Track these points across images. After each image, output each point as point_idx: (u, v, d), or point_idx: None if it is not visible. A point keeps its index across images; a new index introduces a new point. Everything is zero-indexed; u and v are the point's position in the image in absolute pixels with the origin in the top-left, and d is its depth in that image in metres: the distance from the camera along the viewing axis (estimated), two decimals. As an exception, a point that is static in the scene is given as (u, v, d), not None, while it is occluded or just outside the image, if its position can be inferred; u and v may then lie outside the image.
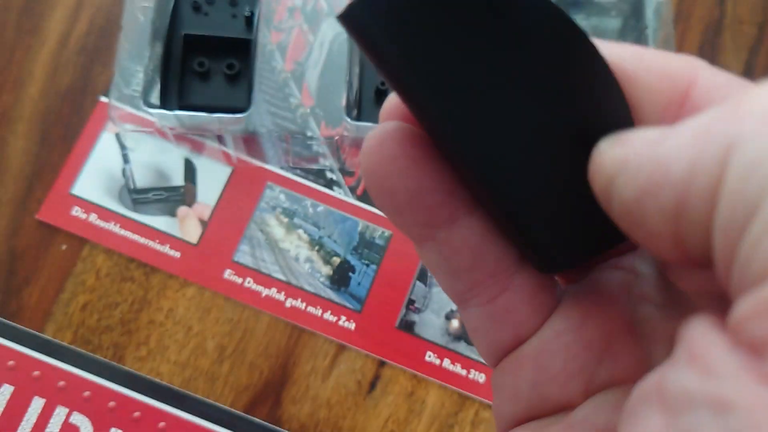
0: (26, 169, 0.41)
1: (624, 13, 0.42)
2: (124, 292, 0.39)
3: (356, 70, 0.41)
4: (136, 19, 0.38)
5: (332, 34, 0.41)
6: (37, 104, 0.42)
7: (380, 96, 0.40)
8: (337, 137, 0.38)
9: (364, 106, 0.40)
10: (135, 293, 0.39)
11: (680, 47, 0.46)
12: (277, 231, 0.41)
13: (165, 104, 0.39)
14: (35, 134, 0.42)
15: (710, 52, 0.46)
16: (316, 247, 0.41)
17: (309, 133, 0.40)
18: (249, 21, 0.41)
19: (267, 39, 0.40)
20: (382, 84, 0.40)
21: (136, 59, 0.38)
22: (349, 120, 0.38)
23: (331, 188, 0.42)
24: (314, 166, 0.42)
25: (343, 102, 0.39)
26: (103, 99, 0.42)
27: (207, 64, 0.40)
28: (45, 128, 0.42)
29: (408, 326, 0.40)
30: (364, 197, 0.42)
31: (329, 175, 0.42)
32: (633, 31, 0.42)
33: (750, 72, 0.46)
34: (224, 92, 0.40)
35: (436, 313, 0.40)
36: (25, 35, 0.43)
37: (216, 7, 0.41)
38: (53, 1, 0.44)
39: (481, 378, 0.39)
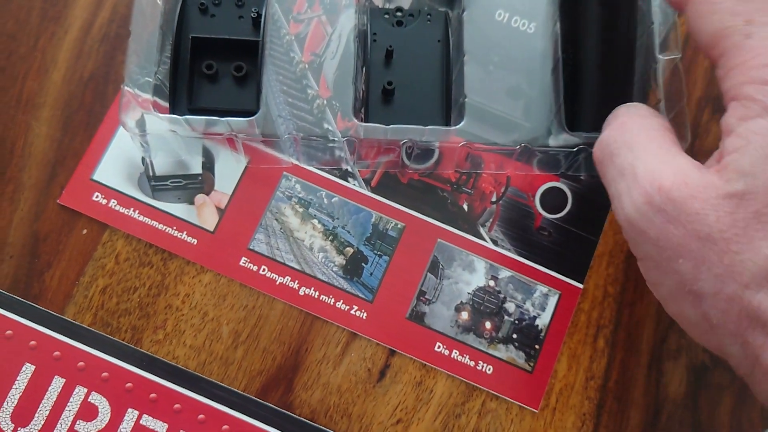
0: (49, 155, 0.42)
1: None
2: (143, 276, 0.40)
3: (362, 69, 0.41)
4: (144, 24, 0.39)
5: (350, 25, 0.41)
6: (60, 91, 0.43)
7: (387, 95, 0.40)
8: (345, 139, 0.39)
9: (371, 107, 0.40)
10: (153, 278, 0.40)
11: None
12: (293, 220, 0.42)
13: (174, 108, 0.39)
14: (58, 120, 0.43)
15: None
16: (330, 237, 0.42)
17: (326, 125, 0.40)
18: (256, 22, 0.41)
19: (280, 35, 0.41)
20: (389, 84, 0.40)
21: (145, 66, 0.38)
22: (357, 121, 0.39)
23: (346, 180, 0.43)
24: (334, 167, 0.43)
25: (351, 102, 0.39)
26: (137, 92, 0.43)
27: (215, 66, 0.40)
28: (68, 115, 0.43)
29: (418, 317, 0.41)
30: (378, 189, 0.42)
31: (344, 166, 0.42)
32: (639, 26, 0.42)
33: None
34: (233, 94, 0.40)
35: (447, 305, 0.41)
36: (49, 22, 0.44)
37: (223, 8, 0.41)
38: (77, -11, 0.45)
39: (488, 369, 0.40)
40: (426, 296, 0.41)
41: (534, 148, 0.39)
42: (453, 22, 0.42)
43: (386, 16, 0.42)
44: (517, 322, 0.41)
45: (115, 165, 0.42)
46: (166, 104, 0.40)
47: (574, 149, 0.39)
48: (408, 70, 0.41)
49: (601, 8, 0.40)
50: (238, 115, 0.39)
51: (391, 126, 0.38)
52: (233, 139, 0.39)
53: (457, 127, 0.39)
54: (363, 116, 0.41)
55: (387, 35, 0.42)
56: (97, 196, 0.41)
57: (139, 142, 0.39)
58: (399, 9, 0.43)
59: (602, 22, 0.40)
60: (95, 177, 0.42)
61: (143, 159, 0.42)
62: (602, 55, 0.39)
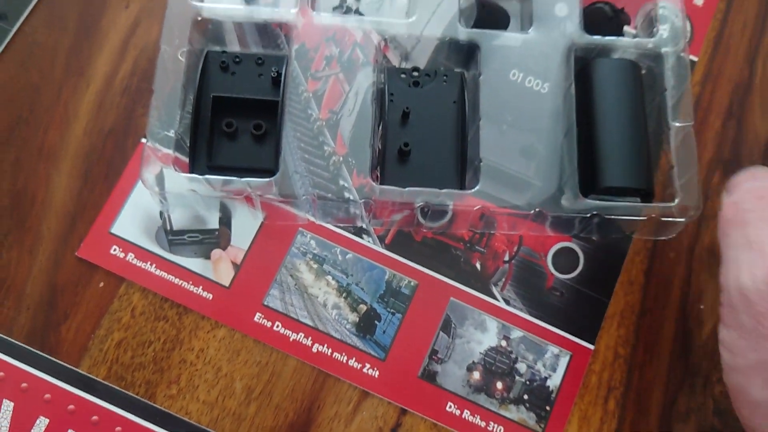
0: (69, 206, 0.43)
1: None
2: (158, 331, 0.41)
3: (379, 128, 0.42)
4: (167, 80, 0.40)
5: (367, 83, 0.42)
6: (81, 143, 0.44)
7: (403, 156, 0.41)
8: (362, 201, 0.39)
9: (387, 166, 0.41)
10: (168, 332, 0.41)
11: (708, 107, 0.47)
12: (307, 276, 0.42)
13: (194, 165, 0.40)
14: (79, 172, 0.43)
15: (738, 112, 0.47)
16: (344, 294, 0.42)
17: (341, 182, 0.41)
18: (276, 81, 0.42)
19: (298, 92, 0.41)
20: (405, 145, 0.41)
21: (166, 121, 0.39)
22: (372, 183, 0.39)
23: (360, 236, 0.43)
24: (350, 225, 0.43)
25: (367, 160, 0.40)
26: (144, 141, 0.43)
27: (235, 124, 0.41)
28: (88, 167, 0.43)
29: (430, 376, 0.41)
30: (392, 246, 0.43)
31: (359, 224, 0.43)
32: (650, 91, 0.42)
33: (778, 135, 0.46)
34: (252, 152, 0.41)
35: (459, 364, 0.41)
36: (72, 75, 0.45)
37: (243, 66, 0.42)
38: (101, 42, 0.46)
39: (499, 430, 0.40)
40: (438, 355, 0.41)
41: (547, 213, 0.39)
42: (469, 83, 0.43)
43: (403, 75, 0.43)
44: (528, 382, 0.41)
45: (134, 218, 0.42)
46: (186, 159, 0.41)
47: (588, 215, 0.39)
48: (424, 130, 0.42)
49: (615, 75, 0.41)
50: (257, 172, 0.40)
51: (407, 189, 0.39)
52: (251, 198, 0.40)
53: (473, 190, 0.39)
54: (379, 175, 0.41)
55: (404, 95, 0.43)
56: (114, 250, 0.42)
57: (158, 198, 0.40)
58: (416, 69, 0.43)
59: (614, 91, 0.41)
60: (113, 230, 0.42)
61: (161, 213, 0.42)
62: (616, 120, 0.40)
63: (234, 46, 0.44)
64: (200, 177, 0.38)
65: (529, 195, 0.40)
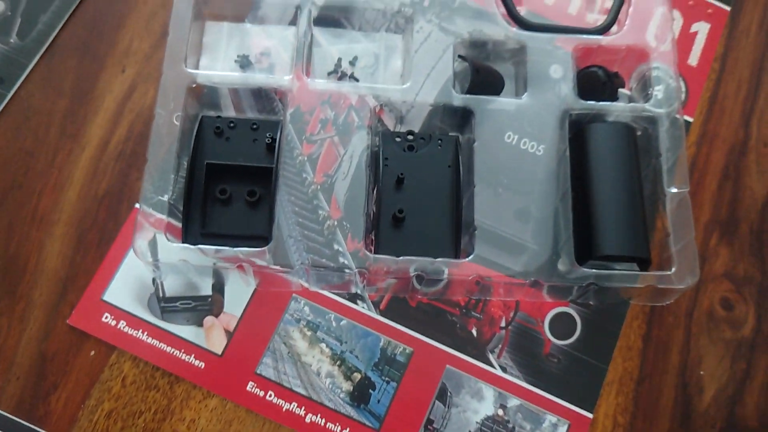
0: (61, 272, 0.42)
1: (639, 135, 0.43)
2: (149, 400, 0.40)
3: (373, 191, 0.42)
4: (161, 147, 0.40)
5: (362, 146, 0.42)
6: (75, 208, 0.44)
7: (398, 222, 0.41)
8: (357, 269, 0.39)
9: (381, 232, 0.41)
10: (159, 402, 0.40)
11: (704, 168, 0.47)
12: (301, 344, 0.42)
13: (187, 232, 0.40)
14: (71, 238, 0.43)
15: (735, 173, 0.47)
16: (338, 362, 0.41)
17: (336, 246, 0.40)
18: (270, 147, 0.42)
19: (293, 156, 0.41)
20: (400, 211, 0.40)
21: (160, 187, 0.39)
22: (366, 251, 0.39)
23: (355, 302, 0.43)
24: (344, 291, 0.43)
25: (362, 226, 0.39)
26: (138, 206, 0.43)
27: (228, 191, 0.41)
28: (81, 232, 0.43)
29: (426, 447, 0.40)
30: (387, 312, 0.42)
31: (354, 289, 0.43)
32: (645, 154, 0.42)
33: (775, 196, 0.46)
34: (246, 219, 0.41)
35: (455, 434, 0.41)
36: (67, 139, 0.45)
37: (237, 131, 0.42)
38: (96, 107, 0.46)
39: (497, 503, 0.39)
40: (434, 425, 0.41)
41: (543, 283, 0.39)
42: (464, 147, 0.43)
43: (398, 139, 0.43)
44: (525, 453, 0.40)
45: (126, 285, 0.42)
46: (179, 224, 0.40)
47: (584, 284, 0.39)
48: (419, 195, 0.42)
49: (610, 140, 0.41)
50: (250, 239, 0.40)
51: (402, 258, 0.39)
52: (243, 267, 0.39)
53: (467, 259, 0.39)
54: (373, 240, 0.41)
55: (398, 159, 0.43)
56: (106, 317, 0.41)
57: (151, 267, 0.39)
58: (410, 133, 0.43)
59: (609, 156, 0.40)
60: (106, 297, 0.42)
61: (154, 280, 0.42)
62: (611, 186, 0.40)
63: (229, 111, 0.44)
64: (192, 246, 0.38)
65: (525, 259, 0.39)
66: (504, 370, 0.42)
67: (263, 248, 0.39)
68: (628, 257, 0.39)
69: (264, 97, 0.44)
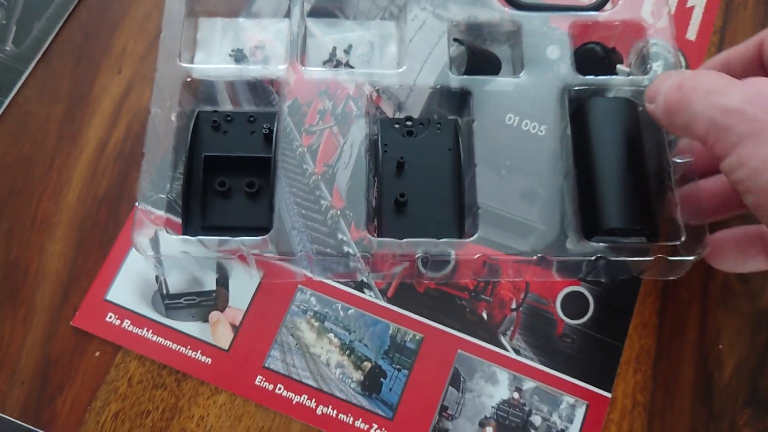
0: (62, 275, 0.42)
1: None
2: (156, 399, 0.39)
3: (374, 180, 0.41)
4: (158, 142, 0.39)
5: (362, 135, 0.42)
6: (74, 210, 0.43)
7: (400, 207, 0.40)
8: (361, 254, 0.38)
9: (384, 218, 0.40)
10: (166, 401, 0.39)
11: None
12: (308, 335, 0.41)
13: (187, 226, 0.39)
14: (72, 240, 0.43)
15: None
16: (347, 352, 0.41)
17: (340, 236, 0.40)
18: (268, 138, 0.41)
19: (292, 148, 0.41)
20: (401, 195, 0.40)
21: (158, 183, 0.39)
22: (369, 236, 0.38)
23: (362, 291, 0.42)
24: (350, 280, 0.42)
25: (364, 217, 0.39)
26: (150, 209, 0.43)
27: (227, 183, 0.40)
28: (82, 234, 0.43)
29: (441, 434, 0.39)
30: (395, 299, 0.42)
31: (359, 277, 0.42)
32: (648, 128, 0.41)
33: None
34: (246, 210, 0.40)
35: (470, 420, 0.39)
36: (65, 142, 0.45)
37: (235, 124, 0.42)
38: (93, 109, 0.46)
39: (517, 489, 0.38)
40: (448, 411, 0.40)
41: (551, 258, 0.38)
42: (463, 130, 0.43)
43: (396, 126, 0.43)
44: (544, 436, 0.39)
45: (129, 284, 0.41)
46: (179, 220, 0.40)
47: (593, 258, 0.38)
48: (420, 180, 0.41)
49: (610, 114, 0.41)
50: (251, 230, 0.39)
51: (405, 240, 0.38)
52: (246, 257, 0.39)
53: (472, 238, 0.38)
54: (376, 227, 0.40)
55: (398, 145, 0.42)
56: (110, 317, 0.41)
57: (153, 262, 0.39)
58: (409, 118, 0.43)
59: (611, 130, 0.40)
60: (109, 297, 0.41)
61: (157, 277, 0.41)
62: (614, 160, 0.39)
63: (227, 107, 0.43)
64: (193, 238, 0.38)
65: (531, 239, 0.39)
66: (517, 352, 0.41)
67: (264, 237, 0.38)
68: (636, 229, 0.38)
69: (260, 90, 0.43)
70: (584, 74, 0.42)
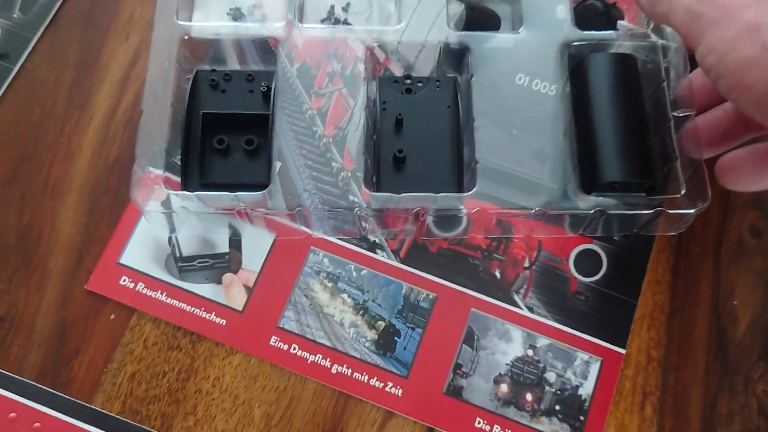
0: (75, 240, 0.42)
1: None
2: (171, 361, 0.40)
3: (373, 138, 0.41)
4: (156, 102, 0.39)
5: (371, 97, 0.41)
6: (86, 176, 0.43)
7: (398, 163, 0.40)
8: (356, 209, 0.38)
9: (382, 175, 0.40)
10: (182, 362, 0.40)
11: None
12: (322, 296, 0.41)
13: (186, 184, 0.39)
14: (84, 205, 0.43)
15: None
16: (361, 312, 0.41)
17: (351, 197, 0.40)
18: (266, 96, 0.41)
19: (302, 110, 0.41)
20: (399, 151, 0.40)
21: (157, 143, 0.38)
22: (368, 191, 0.38)
23: (374, 251, 0.42)
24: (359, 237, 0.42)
25: (362, 172, 0.39)
26: (150, 169, 0.43)
27: (226, 141, 0.40)
28: (93, 200, 0.43)
29: (456, 391, 0.39)
30: (407, 259, 0.42)
31: (372, 237, 0.42)
32: (648, 83, 0.41)
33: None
34: (245, 168, 0.40)
35: (484, 377, 0.40)
36: (74, 109, 0.45)
37: (233, 83, 0.42)
38: (102, 75, 0.46)
39: (532, 444, 0.38)
40: (462, 369, 0.40)
41: (550, 212, 0.38)
42: (462, 87, 0.42)
43: (395, 83, 0.42)
44: (559, 392, 0.39)
45: (142, 247, 0.42)
46: (178, 179, 0.40)
47: (591, 211, 0.38)
48: (419, 137, 0.41)
49: (608, 71, 0.40)
50: (250, 187, 0.39)
51: (402, 195, 0.38)
52: (246, 213, 0.39)
53: (470, 192, 0.38)
54: (374, 183, 0.40)
55: (397, 103, 0.42)
56: (124, 280, 0.41)
57: (152, 218, 0.39)
58: (408, 77, 0.43)
59: (610, 85, 0.39)
60: (122, 260, 0.41)
61: (170, 239, 0.42)
62: (613, 115, 0.39)
63: (234, 66, 0.43)
64: (191, 194, 0.38)
65: (530, 194, 0.38)
66: (531, 310, 0.41)
67: (262, 192, 0.38)
68: (634, 183, 0.38)
69: (267, 51, 0.43)
70: (584, 30, 0.41)
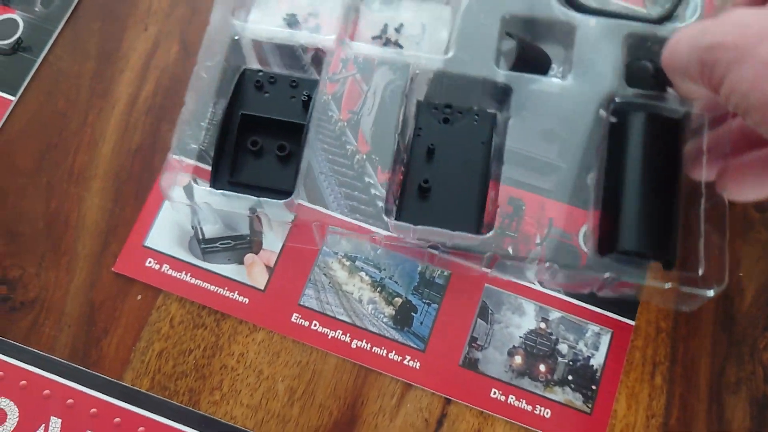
0: (101, 225, 0.43)
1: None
2: (197, 338, 0.41)
3: (403, 162, 0.41)
4: (200, 93, 0.40)
5: (384, 81, 0.42)
6: (110, 163, 0.45)
7: (423, 192, 0.40)
8: (375, 236, 0.39)
9: (405, 201, 0.40)
10: (207, 339, 0.41)
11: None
12: (340, 274, 0.42)
13: (215, 178, 0.40)
14: (109, 191, 0.44)
15: None
16: (378, 289, 0.42)
17: (367, 179, 0.41)
18: (306, 105, 0.42)
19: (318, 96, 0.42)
20: (425, 182, 0.40)
21: (193, 136, 0.40)
22: (388, 219, 0.39)
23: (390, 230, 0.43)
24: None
25: (390, 156, 0.39)
26: (182, 158, 0.44)
27: (260, 143, 0.41)
28: (118, 185, 0.44)
29: (472, 364, 0.41)
30: (422, 238, 0.43)
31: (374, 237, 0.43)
32: None
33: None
34: (274, 172, 0.41)
35: (499, 349, 0.41)
36: (97, 98, 0.46)
37: (277, 87, 0.43)
38: (122, 65, 0.47)
39: (546, 413, 0.40)
40: (478, 342, 0.41)
41: (560, 270, 0.39)
42: (500, 125, 0.42)
43: (434, 110, 0.43)
44: (571, 363, 0.41)
45: (166, 231, 0.43)
46: (208, 168, 0.41)
47: (605, 275, 0.38)
48: (447, 169, 0.41)
49: (650, 133, 0.39)
50: (276, 193, 0.40)
51: (420, 227, 0.38)
52: (261, 218, 0.40)
53: (488, 235, 0.38)
54: (396, 209, 0.40)
55: (432, 131, 0.42)
56: (150, 262, 0.42)
57: (176, 207, 0.40)
58: (448, 105, 0.43)
59: (649, 148, 0.38)
60: (147, 243, 0.43)
61: (192, 222, 0.43)
62: (647, 181, 0.37)
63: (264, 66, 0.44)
64: (217, 191, 0.39)
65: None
66: (542, 284, 0.42)
67: (286, 200, 0.39)
68: (649, 255, 0.37)
69: (290, 54, 0.44)
70: (632, 87, 0.40)
